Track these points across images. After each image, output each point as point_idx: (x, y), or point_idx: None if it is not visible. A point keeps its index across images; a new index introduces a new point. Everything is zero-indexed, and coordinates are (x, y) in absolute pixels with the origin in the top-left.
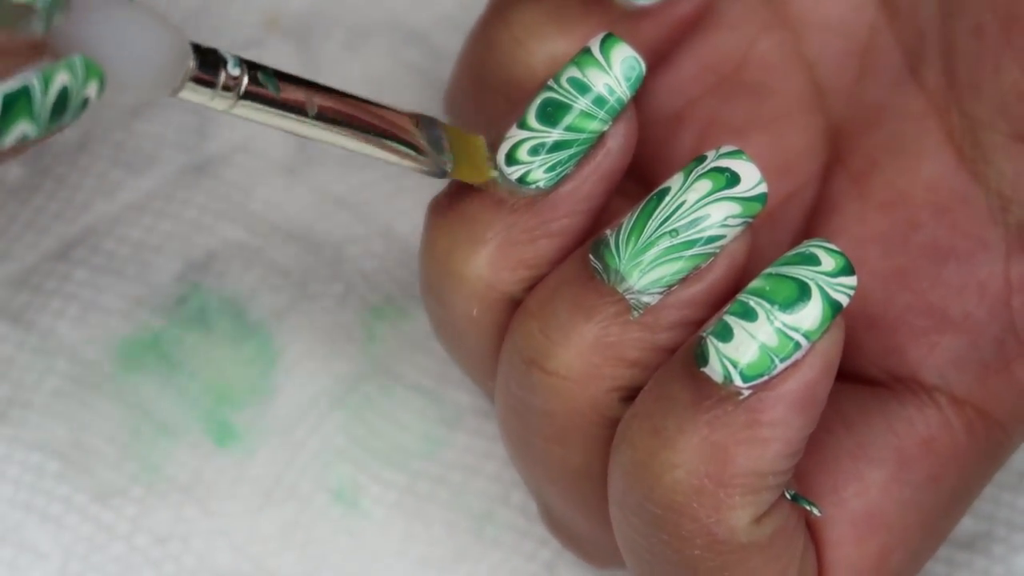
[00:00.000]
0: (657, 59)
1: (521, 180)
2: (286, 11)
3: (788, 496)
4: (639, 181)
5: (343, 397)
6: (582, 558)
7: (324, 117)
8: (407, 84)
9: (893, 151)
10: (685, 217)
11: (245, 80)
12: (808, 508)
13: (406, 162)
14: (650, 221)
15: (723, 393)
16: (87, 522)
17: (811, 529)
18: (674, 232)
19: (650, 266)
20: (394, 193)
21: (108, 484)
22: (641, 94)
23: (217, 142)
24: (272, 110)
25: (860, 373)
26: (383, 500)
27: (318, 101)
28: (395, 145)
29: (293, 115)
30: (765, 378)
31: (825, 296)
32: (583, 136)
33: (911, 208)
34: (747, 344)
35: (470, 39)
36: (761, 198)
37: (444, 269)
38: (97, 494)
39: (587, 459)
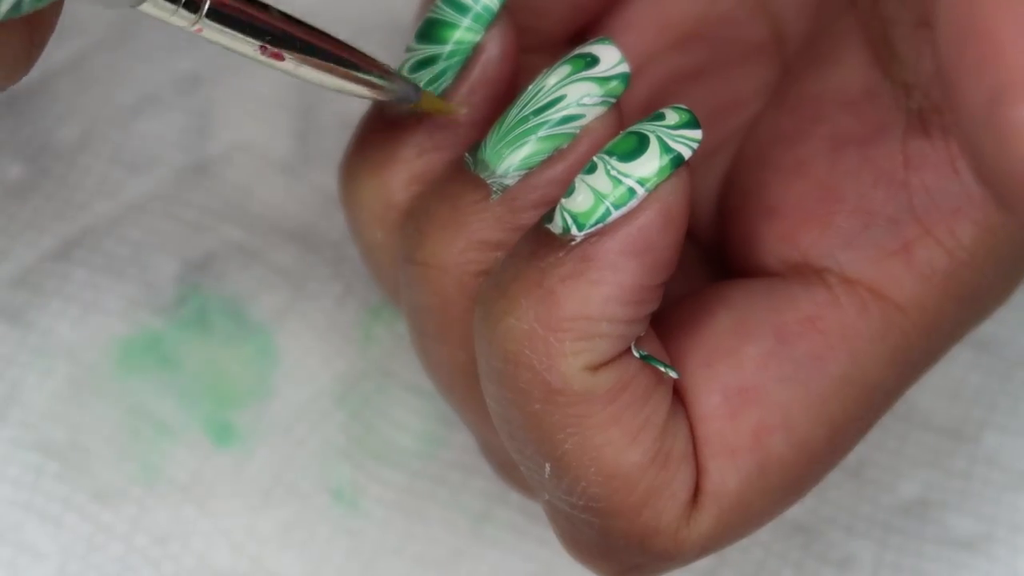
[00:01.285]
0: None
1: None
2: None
3: (637, 355)
4: None
5: (342, 397)
6: (517, 490)
7: (292, 44)
8: None
9: (814, 63)
10: (543, 100)
11: None
12: (662, 369)
13: (376, 93)
14: (512, 110)
15: (558, 243)
16: (86, 522)
17: (683, 404)
18: (532, 115)
19: (509, 149)
20: None
21: (107, 484)
22: None
23: (217, 142)
24: (237, 34)
25: (756, 266)
26: (382, 500)
27: (286, 28)
28: (364, 72)
29: (260, 40)
30: (600, 225)
31: (664, 146)
32: (459, 48)
33: (818, 106)
34: (584, 195)
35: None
36: (621, 77)
37: (349, 200)
38: (96, 494)
39: (469, 353)
